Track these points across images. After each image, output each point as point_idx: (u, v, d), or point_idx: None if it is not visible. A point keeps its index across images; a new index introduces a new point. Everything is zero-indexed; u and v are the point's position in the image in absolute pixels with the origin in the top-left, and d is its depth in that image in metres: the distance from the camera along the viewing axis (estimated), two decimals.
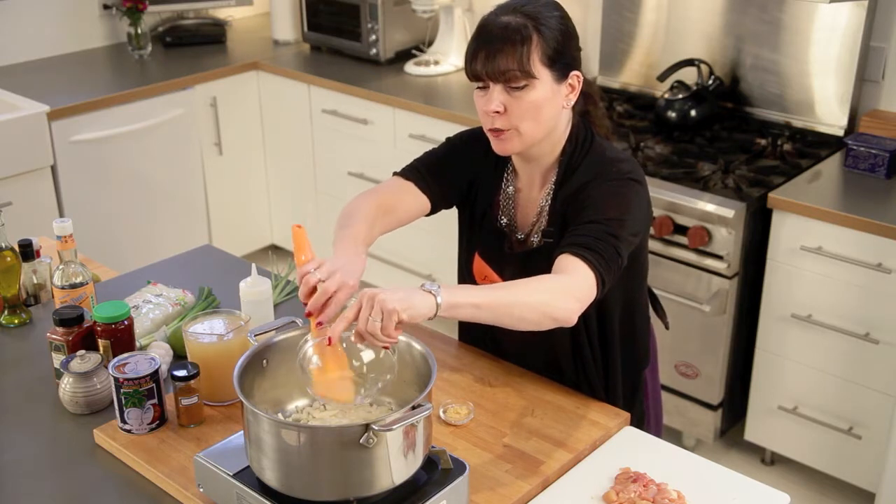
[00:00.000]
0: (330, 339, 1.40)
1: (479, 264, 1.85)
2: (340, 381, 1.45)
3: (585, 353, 1.81)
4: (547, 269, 1.62)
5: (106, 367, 1.75)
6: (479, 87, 1.67)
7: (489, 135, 1.70)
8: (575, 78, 1.68)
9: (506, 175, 1.83)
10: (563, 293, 1.53)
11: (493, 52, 1.61)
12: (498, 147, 1.70)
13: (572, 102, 1.70)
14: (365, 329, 1.38)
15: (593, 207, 1.65)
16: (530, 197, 1.81)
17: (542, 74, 1.62)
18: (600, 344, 1.82)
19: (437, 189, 1.84)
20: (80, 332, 1.82)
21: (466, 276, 1.90)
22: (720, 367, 2.90)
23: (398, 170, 1.87)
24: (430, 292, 1.42)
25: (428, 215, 1.88)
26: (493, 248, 1.83)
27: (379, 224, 1.75)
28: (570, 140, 1.75)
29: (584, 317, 1.65)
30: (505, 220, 1.83)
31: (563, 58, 1.65)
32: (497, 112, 1.64)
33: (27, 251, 2.10)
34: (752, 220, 2.76)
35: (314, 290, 1.49)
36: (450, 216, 1.95)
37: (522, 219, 1.82)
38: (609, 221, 1.62)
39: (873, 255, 2.57)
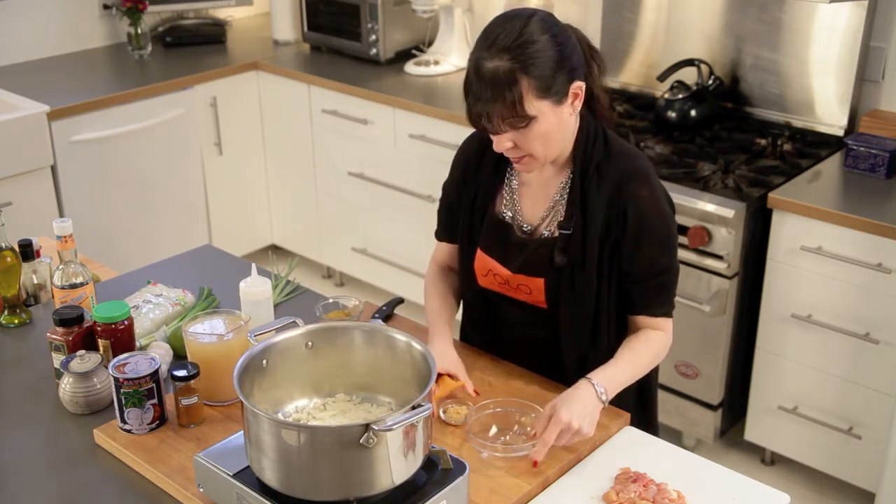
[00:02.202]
0: (535, 462, 1.60)
1: (481, 260, 1.84)
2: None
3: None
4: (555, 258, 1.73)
5: (106, 367, 1.75)
6: None
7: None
8: (576, 89, 1.65)
9: (509, 170, 1.83)
10: (664, 352, 1.84)
11: (488, 109, 1.60)
12: (522, 169, 1.74)
13: (580, 107, 1.69)
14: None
15: (657, 251, 1.76)
16: (540, 189, 1.80)
17: (542, 108, 1.61)
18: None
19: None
20: (80, 332, 1.82)
21: (468, 274, 1.90)
22: (720, 367, 2.90)
23: (436, 231, 2.02)
24: (601, 400, 1.67)
25: None
26: (496, 240, 1.82)
27: (453, 291, 1.99)
28: (581, 132, 1.74)
29: (597, 333, 1.77)
30: (509, 214, 1.82)
31: (558, 82, 1.61)
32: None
33: (27, 251, 2.10)
34: (752, 220, 2.76)
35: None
36: None
37: (530, 212, 1.81)
38: (672, 268, 1.79)
39: (873, 255, 2.57)
